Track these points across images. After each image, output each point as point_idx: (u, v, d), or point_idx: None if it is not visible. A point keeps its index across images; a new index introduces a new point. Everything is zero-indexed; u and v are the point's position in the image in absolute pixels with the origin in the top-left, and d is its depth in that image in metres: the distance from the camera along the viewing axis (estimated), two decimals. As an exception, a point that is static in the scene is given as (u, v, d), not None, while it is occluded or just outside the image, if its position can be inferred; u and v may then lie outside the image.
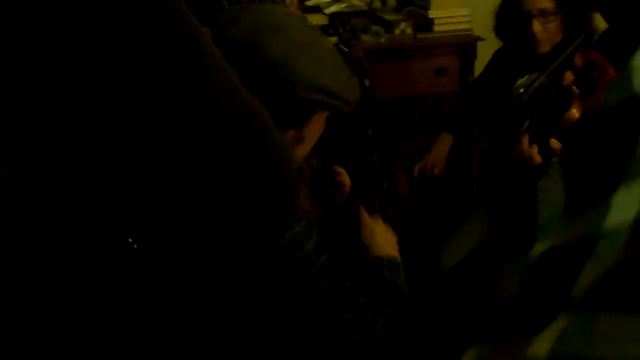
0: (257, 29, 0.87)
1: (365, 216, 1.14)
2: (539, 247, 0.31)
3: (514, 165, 1.51)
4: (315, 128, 0.97)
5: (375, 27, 2.38)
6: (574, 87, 1.32)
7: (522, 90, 1.61)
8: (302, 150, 0.99)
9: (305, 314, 0.89)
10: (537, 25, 1.52)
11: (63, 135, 0.34)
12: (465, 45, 2.32)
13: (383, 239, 1.12)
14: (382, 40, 2.33)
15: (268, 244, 0.45)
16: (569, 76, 1.36)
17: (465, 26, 2.35)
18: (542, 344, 0.26)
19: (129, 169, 0.35)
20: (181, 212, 0.38)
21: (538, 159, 1.33)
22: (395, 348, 0.95)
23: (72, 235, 0.39)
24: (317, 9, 2.50)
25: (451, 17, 2.31)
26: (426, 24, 2.35)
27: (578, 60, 1.41)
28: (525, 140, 1.39)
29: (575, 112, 1.29)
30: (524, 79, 1.65)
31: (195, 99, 0.36)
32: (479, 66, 2.25)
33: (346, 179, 1.25)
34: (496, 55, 1.83)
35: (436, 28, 2.33)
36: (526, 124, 1.41)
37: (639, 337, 0.22)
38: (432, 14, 2.32)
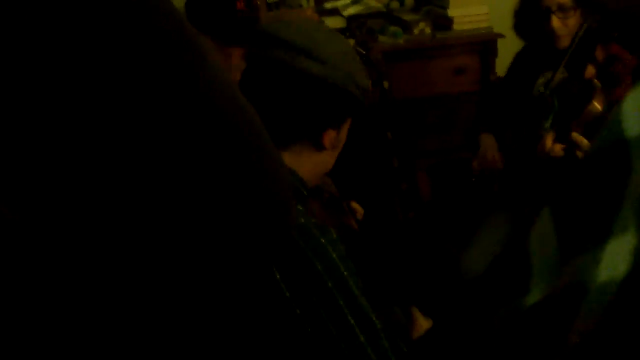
0: (312, 29, 0.93)
1: (419, 318, 1.13)
2: (533, 296, 0.31)
3: (537, 161, 1.49)
4: (344, 134, 1.00)
5: (393, 28, 2.36)
6: (596, 80, 1.30)
7: (542, 89, 1.59)
8: (333, 158, 1.01)
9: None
10: (556, 21, 1.50)
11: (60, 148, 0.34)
12: (484, 44, 2.29)
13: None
14: (401, 41, 2.31)
15: (268, 246, 0.44)
16: (590, 70, 1.33)
17: (485, 24, 2.32)
18: None
19: (125, 176, 0.35)
20: (174, 214, 0.37)
21: (560, 153, 1.31)
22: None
23: (67, 244, 0.38)
24: (335, 12, 2.50)
25: (470, 15, 2.29)
26: (445, 23, 2.33)
27: (599, 54, 1.38)
28: (550, 137, 1.37)
29: (597, 105, 1.26)
30: (545, 75, 1.62)
31: (197, 103, 0.36)
32: (500, 64, 2.23)
33: (359, 208, 1.25)
34: (518, 55, 1.82)
35: (455, 27, 2.31)
36: (550, 119, 1.38)
37: None
38: (451, 12, 2.29)
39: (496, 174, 1.79)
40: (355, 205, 1.24)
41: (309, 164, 0.97)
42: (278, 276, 0.85)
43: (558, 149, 1.32)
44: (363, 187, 2.14)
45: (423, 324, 1.12)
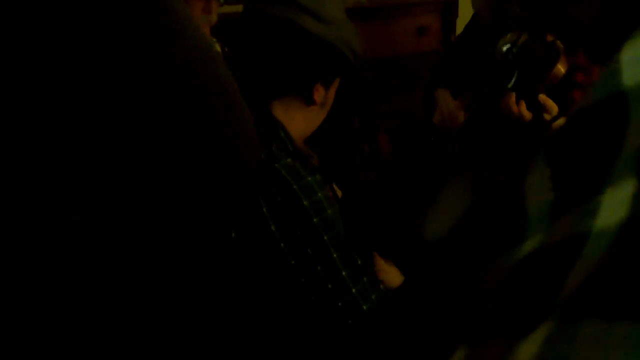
0: None
1: (380, 262, 1.19)
2: (528, 245, 0.30)
3: (498, 124, 1.51)
4: (332, 94, 1.04)
5: (355, -14, 2.32)
6: (559, 42, 1.31)
7: (505, 48, 1.59)
8: (320, 117, 1.05)
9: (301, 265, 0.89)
10: None
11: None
12: (446, 4, 2.29)
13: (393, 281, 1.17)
14: (363, 0, 2.28)
15: (236, 201, 0.45)
16: (552, 31, 1.34)
17: (447, -16, 2.30)
18: (528, 349, 0.25)
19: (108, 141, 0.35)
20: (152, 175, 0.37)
21: (527, 115, 1.32)
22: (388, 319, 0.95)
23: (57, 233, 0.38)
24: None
25: (432, -26, 2.27)
26: (407, -18, 2.30)
27: (562, 15, 1.39)
28: (513, 98, 1.38)
29: (560, 68, 1.28)
30: (506, 37, 1.62)
31: (176, 69, 0.36)
32: (461, 24, 2.22)
33: (338, 191, 1.27)
34: (476, 16, 1.81)
35: (417, -14, 2.29)
36: (513, 80, 1.39)
37: (623, 344, 0.22)
38: (412, -29, 2.27)
39: (456, 131, 1.79)
40: (335, 187, 1.25)
41: (298, 118, 1.01)
42: (265, 209, 0.86)
43: (527, 113, 1.33)
44: (324, 148, 2.13)
45: (385, 267, 1.16)
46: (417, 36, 2.32)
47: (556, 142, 0.31)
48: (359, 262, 0.92)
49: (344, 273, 0.90)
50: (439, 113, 1.82)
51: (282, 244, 0.89)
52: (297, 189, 0.89)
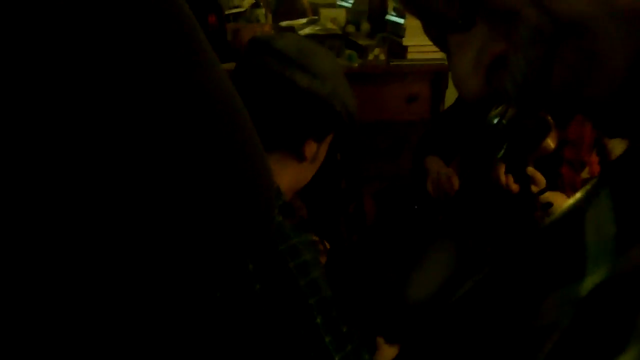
0: (306, 43, 0.96)
1: (383, 345, 1.21)
2: (593, 279, 0.29)
3: (487, 192, 1.51)
4: (324, 150, 1.02)
5: (348, 51, 2.38)
6: (550, 116, 1.33)
7: (495, 120, 1.62)
8: (311, 172, 1.03)
9: (283, 331, 0.86)
10: None
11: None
12: (437, 74, 2.34)
13: None
14: (355, 65, 2.33)
15: (249, 244, 0.43)
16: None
17: (439, 55, 2.37)
18: None
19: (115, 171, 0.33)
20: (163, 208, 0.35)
21: (515, 187, 1.33)
22: None
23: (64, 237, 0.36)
24: (290, 30, 2.50)
25: (425, 45, 2.33)
26: (400, 52, 2.36)
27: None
28: (502, 168, 1.39)
29: (550, 142, 1.30)
30: (498, 109, 1.66)
31: (199, 96, 0.35)
32: (450, 94, 2.28)
33: (327, 245, 1.27)
34: None
35: (409, 56, 2.35)
36: (503, 151, 1.41)
37: None
38: (405, 41, 2.33)
39: (447, 200, 1.79)
40: (320, 242, 1.24)
41: (288, 174, 0.99)
42: (251, 267, 0.84)
43: (514, 185, 1.34)
44: (311, 207, 2.12)
45: (388, 352, 1.14)
46: (407, 103, 2.37)
47: (619, 176, 0.31)
48: (344, 329, 0.89)
49: (326, 340, 0.87)
50: (434, 182, 1.82)
51: (265, 305, 0.86)
52: (284, 250, 0.87)
